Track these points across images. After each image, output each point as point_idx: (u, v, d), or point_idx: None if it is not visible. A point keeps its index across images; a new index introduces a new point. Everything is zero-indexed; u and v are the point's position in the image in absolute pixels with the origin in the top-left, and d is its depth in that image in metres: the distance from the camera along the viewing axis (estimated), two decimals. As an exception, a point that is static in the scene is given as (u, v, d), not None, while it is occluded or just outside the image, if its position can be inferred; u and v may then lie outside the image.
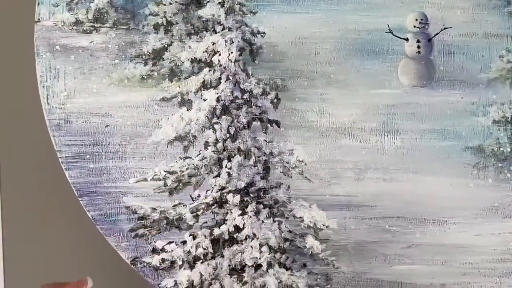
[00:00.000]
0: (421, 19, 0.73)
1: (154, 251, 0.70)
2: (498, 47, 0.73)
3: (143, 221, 0.70)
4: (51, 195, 0.81)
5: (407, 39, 0.73)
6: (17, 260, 0.83)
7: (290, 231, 0.71)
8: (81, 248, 0.79)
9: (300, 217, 0.71)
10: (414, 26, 0.73)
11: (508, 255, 0.72)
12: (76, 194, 0.70)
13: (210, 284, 0.70)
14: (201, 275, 0.69)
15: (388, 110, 0.73)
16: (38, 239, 0.83)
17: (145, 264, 0.69)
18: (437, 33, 0.73)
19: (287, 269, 0.70)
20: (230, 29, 0.72)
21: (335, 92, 0.73)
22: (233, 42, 0.71)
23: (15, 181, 0.83)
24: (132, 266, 0.70)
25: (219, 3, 0.71)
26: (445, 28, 0.73)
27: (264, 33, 0.71)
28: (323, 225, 0.70)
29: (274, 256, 0.70)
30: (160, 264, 0.69)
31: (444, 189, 0.72)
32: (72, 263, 0.82)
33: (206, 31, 0.72)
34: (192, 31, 0.72)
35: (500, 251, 0.72)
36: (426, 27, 0.73)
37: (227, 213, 0.71)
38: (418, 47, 0.73)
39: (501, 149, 0.73)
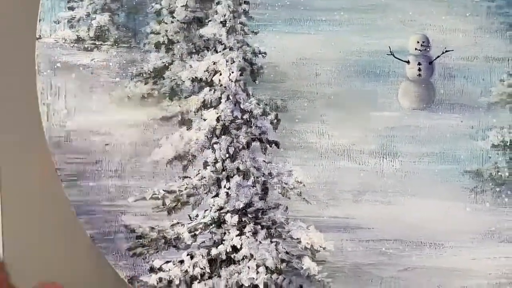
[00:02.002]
0: (423, 42, 0.71)
1: (152, 270, 0.68)
2: (499, 71, 0.71)
3: (141, 240, 0.69)
4: (50, 200, 0.83)
5: (408, 62, 0.71)
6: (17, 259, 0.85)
7: (287, 252, 0.69)
8: (79, 249, 0.81)
9: (298, 238, 0.69)
10: (416, 49, 0.71)
11: (503, 279, 0.70)
12: (75, 213, 0.68)
13: (207, 303, 0.72)
14: (198, 294, 0.71)
15: (387, 133, 0.71)
16: (37, 241, 0.84)
17: (142, 283, 0.68)
18: (438, 56, 0.71)
19: (283, 290, 0.71)
20: (231, 48, 0.70)
21: (335, 114, 0.71)
22: (234, 62, 0.69)
23: (15, 186, 0.84)
24: (130, 284, 0.68)
25: (221, 22, 0.69)
26: (446, 51, 0.71)
27: (265, 53, 0.70)
28: (320, 246, 0.69)
29: (271, 277, 0.69)
30: (157, 283, 0.68)
31: (441, 212, 0.71)
32: (72, 263, 0.83)
33: (207, 50, 0.70)
34: (194, 50, 0.70)
35: (495, 275, 0.70)
36: (428, 49, 0.71)
37: (225, 233, 0.69)
38: (419, 69, 0.71)
39: (499, 173, 0.71)
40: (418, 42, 0.71)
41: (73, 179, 0.69)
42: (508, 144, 0.71)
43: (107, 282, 0.74)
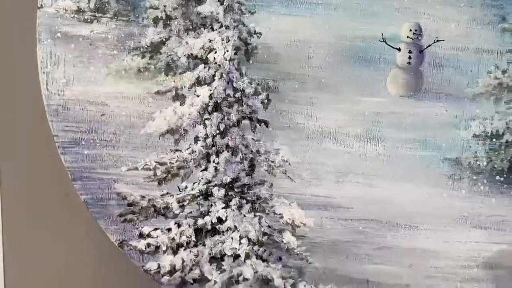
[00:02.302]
0: (415, 30, 0.72)
1: (141, 235, 0.71)
2: (487, 63, 0.72)
3: (132, 208, 0.71)
4: (51, 193, 0.83)
5: (399, 49, 0.72)
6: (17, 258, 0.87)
7: (269, 226, 0.72)
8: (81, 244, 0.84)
9: (280, 214, 0.72)
10: (408, 37, 0.72)
11: (471, 262, 0.73)
12: (70, 178, 0.70)
13: (191, 269, 0.71)
14: (183, 261, 0.71)
15: (373, 118, 0.73)
16: (37, 238, 0.86)
17: (131, 247, 0.71)
18: (430, 45, 0.72)
19: (263, 261, 0.72)
20: (227, 27, 0.70)
21: (324, 97, 0.72)
22: (229, 41, 0.69)
23: (14, 180, 0.84)
24: (119, 248, 0.71)
25: (219, 0, 0.69)
26: (437, 41, 0.72)
27: (260, 33, 0.71)
28: (301, 222, 0.71)
29: (252, 248, 0.71)
30: (145, 248, 0.71)
31: (419, 197, 0.73)
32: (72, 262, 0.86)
33: (204, 28, 0.70)
34: (190, 27, 0.71)
35: (464, 258, 0.73)
36: (420, 38, 0.72)
37: (211, 205, 0.72)
38: (409, 57, 0.72)
39: (478, 162, 0.73)
40: (410, 30, 0.72)
41: (69, 147, 0.71)
42: (489, 135, 0.73)
43: (98, 246, 0.79)
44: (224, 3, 0.70)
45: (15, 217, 0.84)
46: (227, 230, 0.72)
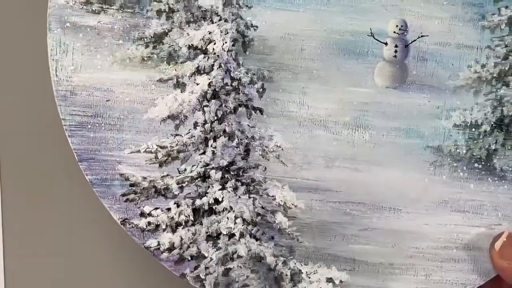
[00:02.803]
0: (401, 26, 0.75)
1: (142, 214, 0.75)
2: (468, 58, 0.76)
3: (134, 188, 0.74)
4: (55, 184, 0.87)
5: (386, 43, 0.76)
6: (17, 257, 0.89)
7: (262, 207, 0.76)
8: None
9: (273, 196, 0.76)
10: (394, 32, 0.76)
11: (451, 244, 0.77)
12: (77, 159, 0.73)
13: (189, 247, 0.75)
14: (181, 238, 0.75)
15: (361, 107, 0.76)
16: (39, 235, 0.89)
17: (133, 225, 0.75)
18: (414, 40, 0.76)
19: (256, 240, 0.76)
20: (226, 20, 0.74)
21: (315, 87, 0.75)
22: (227, 33, 0.73)
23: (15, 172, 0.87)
24: (122, 226, 0.75)
25: None
26: (422, 36, 0.76)
27: (256, 26, 0.74)
28: (292, 204, 0.76)
29: (247, 228, 0.76)
30: (146, 226, 0.75)
31: (402, 181, 0.77)
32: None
33: (204, 21, 0.74)
34: (192, 20, 0.74)
35: (444, 240, 0.77)
36: (405, 33, 0.76)
37: (208, 187, 0.75)
38: (396, 51, 0.76)
39: (458, 150, 0.77)
40: (397, 26, 0.76)
41: (76, 130, 0.74)
42: (468, 124, 0.77)
43: (101, 223, 0.82)
44: (223, -2, 0.75)
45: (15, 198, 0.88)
46: (223, 210, 0.76)
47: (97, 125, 0.75)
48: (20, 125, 0.86)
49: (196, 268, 0.76)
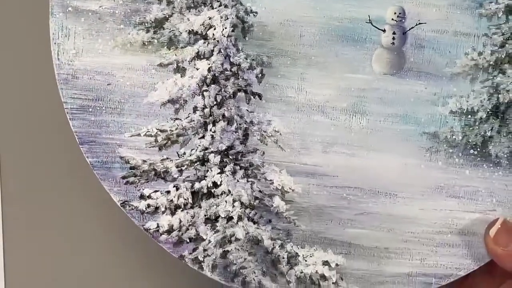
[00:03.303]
0: (399, 13, 0.76)
1: (142, 197, 0.76)
2: (465, 45, 0.76)
3: (134, 171, 0.75)
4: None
5: (384, 30, 0.76)
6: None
7: (260, 191, 0.77)
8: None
9: (271, 180, 0.77)
10: (392, 19, 0.76)
11: (445, 229, 0.78)
12: (78, 142, 0.74)
13: (187, 229, 0.76)
14: (180, 221, 0.76)
15: (358, 93, 0.76)
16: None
17: (133, 207, 0.75)
18: (412, 27, 0.76)
19: (254, 223, 0.77)
20: (226, 6, 0.74)
21: (314, 73, 0.76)
22: (227, 19, 0.74)
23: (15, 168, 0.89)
24: (122, 208, 0.75)
25: None
26: (419, 23, 0.76)
27: (256, 12, 0.75)
28: (290, 188, 0.76)
29: (245, 211, 0.77)
30: (146, 209, 0.76)
31: (398, 167, 0.77)
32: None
33: (205, 6, 0.74)
34: (192, 5, 0.75)
35: (439, 225, 0.78)
36: (403, 20, 0.76)
37: (207, 170, 0.76)
38: (393, 38, 0.76)
39: (454, 136, 0.78)
40: (395, 13, 0.76)
41: (77, 113, 0.75)
42: (464, 111, 0.78)
43: (102, 206, 0.84)
44: (223, -16, 0.75)
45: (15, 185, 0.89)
46: (222, 193, 0.77)
47: (98, 108, 0.75)
48: (20, 113, 0.87)
49: (194, 250, 0.77)
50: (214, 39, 0.75)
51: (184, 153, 0.77)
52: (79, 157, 0.76)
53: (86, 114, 0.75)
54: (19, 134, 0.87)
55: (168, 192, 0.77)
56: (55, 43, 0.74)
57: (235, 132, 0.76)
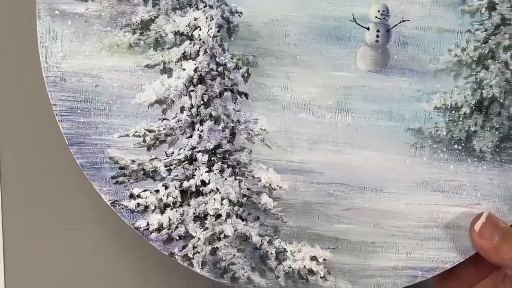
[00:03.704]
0: (383, 11, 0.76)
1: (131, 196, 0.77)
2: (448, 42, 0.77)
3: (123, 171, 0.76)
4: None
5: (368, 28, 0.76)
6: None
7: (248, 189, 0.77)
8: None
9: (258, 178, 0.77)
10: (376, 17, 0.76)
11: (431, 223, 0.79)
12: (67, 143, 0.75)
13: (177, 227, 0.77)
14: (170, 219, 0.77)
15: (344, 91, 0.77)
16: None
17: (123, 207, 0.77)
18: (396, 25, 0.76)
19: (242, 220, 0.78)
20: (211, 7, 0.75)
21: (299, 71, 0.76)
22: (213, 19, 0.74)
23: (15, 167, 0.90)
24: (112, 207, 0.76)
25: None
26: (403, 21, 0.76)
27: (241, 13, 0.75)
28: (277, 185, 0.77)
29: (233, 209, 0.77)
30: (135, 208, 0.77)
31: (384, 163, 0.78)
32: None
33: (190, 7, 0.75)
34: (177, 6, 0.75)
35: (424, 219, 0.79)
36: (387, 18, 0.76)
37: (195, 169, 0.77)
38: (377, 36, 0.76)
39: (438, 132, 0.78)
40: (378, 11, 0.77)
41: (66, 115, 0.75)
42: (448, 107, 0.78)
43: (92, 206, 0.85)
44: (208, -15, 0.76)
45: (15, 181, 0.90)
46: (210, 192, 0.78)
47: (86, 110, 0.76)
48: (16, 113, 0.88)
49: (184, 247, 0.78)
50: (200, 39, 0.76)
51: (172, 153, 0.78)
52: (69, 161, 0.77)
53: (75, 115, 0.76)
54: (16, 135, 0.88)
55: (157, 191, 0.78)
56: (42, 46, 0.75)
57: (222, 131, 0.77)
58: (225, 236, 0.78)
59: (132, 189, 0.78)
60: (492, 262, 0.79)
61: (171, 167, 0.77)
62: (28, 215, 0.90)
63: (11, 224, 0.90)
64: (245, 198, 0.78)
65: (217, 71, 0.76)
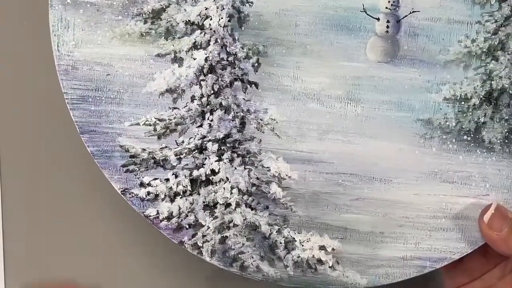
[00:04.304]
0: (393, 1, 0.76)
1: (142, 184, 0.77)
2: (458, 33, 0.76)
3: (133, 159, 0.76)
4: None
5: (378, 19, 0.76)
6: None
7: (257, 178, 0.78)
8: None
9: (268, 167, 0.78)
10: (386, 8, 0.76)
11: (440, 213, 0.79)
12: (78, 131, 0.75)
13: (186, 216, 0.78)
14: (179, 208, 0.77)
15: (353, 81, 0.77)
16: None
17: (133, 195, 0.77)
18: (406, 16, 0.76)
19: (252, 209, 0.78)
20: None
21: (309, 61, 0.76)
22: (223, 9, 0.74)
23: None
24: (122, 195, 0.76)
25: None
26: (413, 12, 0.76)
27: (252, 2, 0.75)
28: (286, 175, 0.78)
29: (242, 198, 0.78)
30: (145, 196, 0.77)
31: (393, 153, 0.78)
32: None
33: None
34: None
35: (433, 210, 0.79)
36: (397, 9, 0.76)
37: (205, 158, 0.77)
38: (387, 26, 0.76)
39: (447, 123, 0.78)
40: (389, 1, 0.76)
41: (78, 103, 0.76)
42: (458, 98, 0.78)
43: (103, 193, 0.85)
44: (219, -26, 0.76)
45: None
46: (220, 181, 0.78)
47: (97, 98, 0.76)
48: (20, 106, 0.88)
49: (193, 236, 0.79)
50: (211, 29, 0.76)
51: (183, 142, 0.78)
52: (80, 149, 0.77)
53: (86, 104, 0.76)
54: (19, 127, 0.89)
55: (167, 179, 0.78)
56: (54, 34, 0.75)
57: (232, 120, 0.77)
58: (235, 225, 0.79)
59: (143, 177, 0.78)
60: (501, 252, 0.79)
61: (181, 156, 0.78)
62: (33, 205, 0.90)
63: (11, 218, 0.90)
64: (254, 188, 0.78)
65: (227, 60, 0.76)
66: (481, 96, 0.79)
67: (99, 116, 0.77)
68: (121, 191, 0.78)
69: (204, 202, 0.78)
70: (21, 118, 0.89)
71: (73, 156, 0.86)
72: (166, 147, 0.78)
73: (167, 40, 0.77)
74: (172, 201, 0.78)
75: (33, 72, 0.86)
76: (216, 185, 0.78)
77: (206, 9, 0.76)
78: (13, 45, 0.87)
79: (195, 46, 0.76)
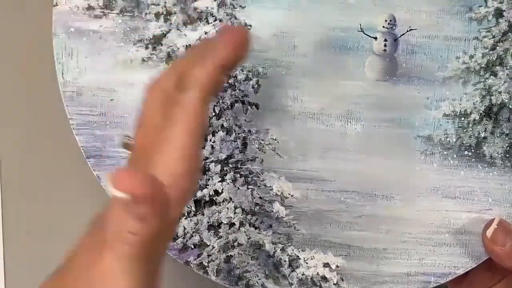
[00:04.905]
0: (390, 20, 0.77)
1: None
2: (456, 49, 0.77)
3: None
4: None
5: (375, 38, 0.77)
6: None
7: (260, 197, 0.78)
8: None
9: (270, 186, 0.78)
10: (383, 27, 0.77)
11: (443, 229, 0.79)
12: (84, 156, 0.77)
13: (192, 236, 0.79)
14: (184, 228, 0.79)
15: (353, 100, 0.77)
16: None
17: None
18: (403, 34, 0.77)
19: (255, 228, 0.79)
20: (221, 20, 0.76)
21: (308, 81, 0.77)
22: None
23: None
24: None
25: None
26: (410, 30, 0.77)
27: (250, 25, 0.76)
28: (289, 194, 0.78)
29: (246, 217, 0.79)
30: None
31: (394, 170, 0.78)
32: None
33: (200, 21, 0.76)
34: (188, 21, 0.76)
35: (436, 225, 0.79)
36: (394, 27, 0.77)
37: (209, 179, 0.78)
38: (385, 45, 0.77)
39: (448, 139, 0.78)
40: (386, 20, 0.77)
41: (83, 128, 0.77)
42: (457, 114, 0.78)
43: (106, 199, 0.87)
44: (218, -1, 0.77)
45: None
46: (223, 201, 0.79)
47: (102, 123, 0.77)
48: (20, 114, 0.90)
49: (199, 255, 0.80)
50: (211, 53, 0.77)
51: (186, 163, 0.79)
52: (82, 153, 0.78)
53: (91, 129, 0.78)
54: (19, 136, 0.91)
55: (172, 201, 0.79)
56: (59, 62, 0.77)
57: (234, 141, 0.78)
58: (239, 244, 0.80)
59: (148, 199, 0.79)
60: (505, 267, 0.79)
61: (185, 178, 0.79)
62: (33, 204, 0.92)
63: (11, 218, 0.92)
64: (257, 207, 0.79)
65: (227, 83, 0.77)
66: (481, 111, 0.79)
67: (103, 141, 0.78)
68: (127, 213, 0.78)
69: (208, 222, 0.79)
70: (22, 124, 0.91)
71: (76, 160, 0.87)
72: (169, 169, 0.78)
73: (168, 65, 0.78)
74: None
75: (32, 81, 0.88)
76: (220, 205, 0.79)
77: (205, 34, 0.77)
78: (19, 73, 0.89)
79: (196, 70, 0.77)
